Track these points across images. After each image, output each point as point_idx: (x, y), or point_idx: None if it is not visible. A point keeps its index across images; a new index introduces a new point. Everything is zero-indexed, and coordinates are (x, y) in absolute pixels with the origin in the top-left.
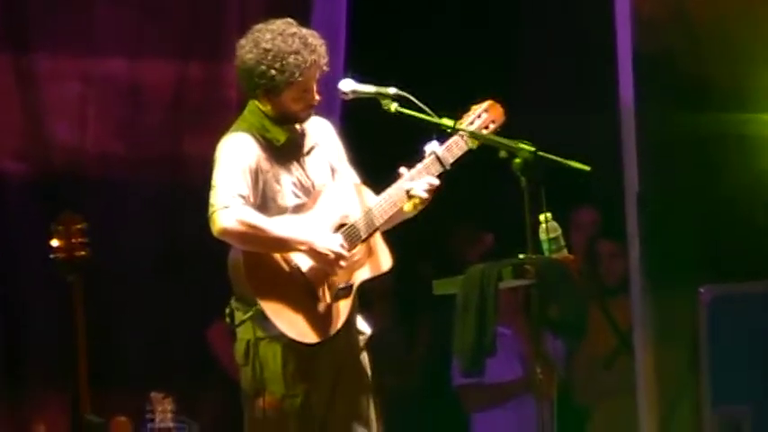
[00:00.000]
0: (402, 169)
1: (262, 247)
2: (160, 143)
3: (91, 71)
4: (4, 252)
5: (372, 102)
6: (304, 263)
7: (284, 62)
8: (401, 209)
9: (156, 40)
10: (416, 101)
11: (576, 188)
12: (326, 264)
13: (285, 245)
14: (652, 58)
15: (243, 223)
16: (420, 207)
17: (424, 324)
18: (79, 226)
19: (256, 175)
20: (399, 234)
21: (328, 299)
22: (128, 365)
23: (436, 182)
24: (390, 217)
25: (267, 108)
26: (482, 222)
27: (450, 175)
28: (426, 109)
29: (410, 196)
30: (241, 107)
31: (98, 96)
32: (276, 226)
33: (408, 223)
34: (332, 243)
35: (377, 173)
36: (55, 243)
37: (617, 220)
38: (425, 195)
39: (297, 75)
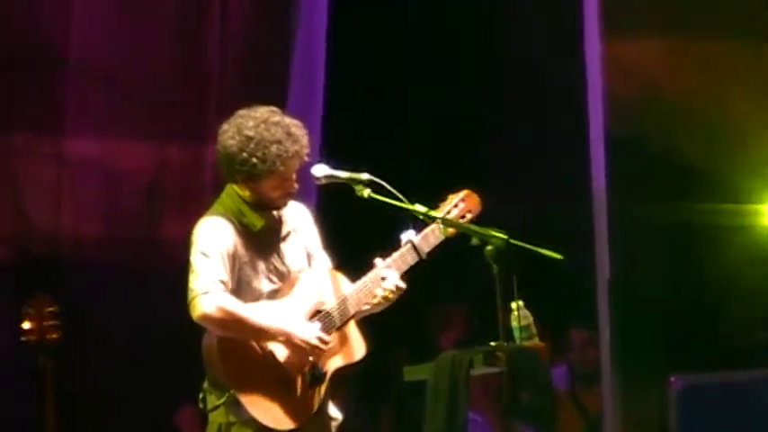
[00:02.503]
0: (377, 260)
1: (240, 335)
2: (137, 226)
3: (66, 153)
4: None
5: (348, 187)
6: (279, 350)
7: (266, 151)
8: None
9: (133, 122)
10: (389, 187)
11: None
12: (303, 355)
13: (264, 334)
14: (624, 143)
15: (223, 311)
16: (384, 304)
17: (388, 409)
18: (51, 308)
19: (233, 259)
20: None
21: (302, 386)
22: None
23: (403, 285)
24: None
25: (245, 193)
26: (457, 306)
27: (426, 262)
28: (399, 195)
29: (383, 284)
30: (216, 190)
31: (73, 179)
32: (255, 314)
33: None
34: (309, 335)
35: (352, 258)
36: (26, 326)
37: (588, 307)
38: (392, 288)
39: (278, 164)
